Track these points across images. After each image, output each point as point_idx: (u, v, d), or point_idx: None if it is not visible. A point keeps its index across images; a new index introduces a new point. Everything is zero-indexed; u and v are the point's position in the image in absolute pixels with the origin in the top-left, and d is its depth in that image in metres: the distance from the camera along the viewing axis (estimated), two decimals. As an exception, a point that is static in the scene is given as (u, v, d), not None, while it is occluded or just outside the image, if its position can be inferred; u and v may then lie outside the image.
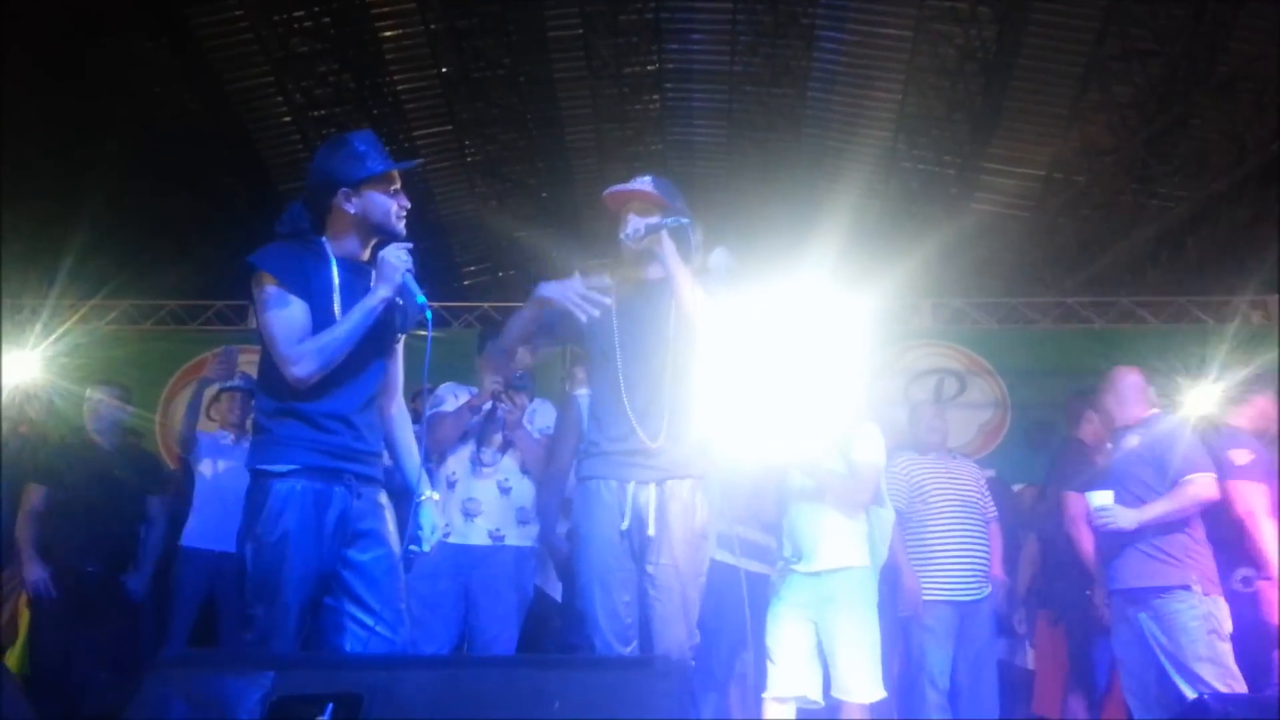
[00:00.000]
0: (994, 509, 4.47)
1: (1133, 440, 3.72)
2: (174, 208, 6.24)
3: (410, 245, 2.53)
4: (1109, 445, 3.94)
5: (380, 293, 2.47)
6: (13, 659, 4.68)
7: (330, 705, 1.69)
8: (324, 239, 2.54)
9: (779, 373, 3.79)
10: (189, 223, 6.53)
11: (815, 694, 3.53)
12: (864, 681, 3.46)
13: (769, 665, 3.59)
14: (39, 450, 4.84)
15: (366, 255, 2.56)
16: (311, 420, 2.45)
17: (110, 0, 5.28)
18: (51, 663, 4.33)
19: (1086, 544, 4.09)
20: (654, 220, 2.86)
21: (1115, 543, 3.63)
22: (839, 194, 9.51)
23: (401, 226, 2.55)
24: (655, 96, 9.94)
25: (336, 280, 2.50)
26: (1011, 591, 4.73)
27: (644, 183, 2.95)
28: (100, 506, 4.39)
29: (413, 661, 1.92)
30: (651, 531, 2.76)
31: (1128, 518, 3.52)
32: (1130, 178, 8.75)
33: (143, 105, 5.68)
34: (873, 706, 3.48)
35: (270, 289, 2.44)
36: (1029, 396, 6.56)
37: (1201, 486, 3.51)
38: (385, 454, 2.66)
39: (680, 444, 2.83)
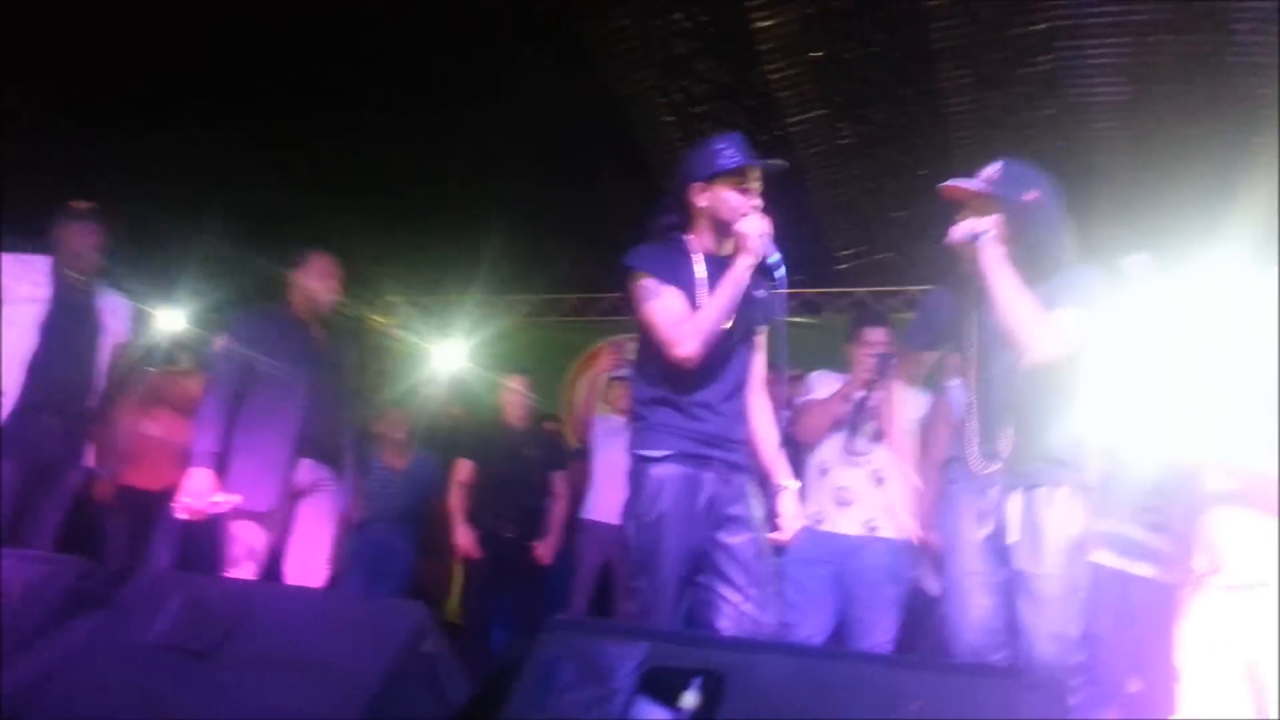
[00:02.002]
0: None
1: None
2: (571, 207, 6.81)
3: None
4: None
5: (744, 263, 2.53)
6: (449, 610, 5.46)
7: (697, 679, 1.78)
8: (688, 236, 2.65)
9: (1200, 361, 3.37)
10: (585, 221, 7.12)
11: (1236, 722, 3.10)
12: (1301, 716, 2.98)
13: (1179, 688, 3.21)
14: (465, 430, 5.56)
15: (726, 248, 2.63)
16: (682, 408, 2.58)
17: (519, 25, 5.89)
18: (475, 616, 4.99)
19: None
20: (977, 229, 2.55)
21: None
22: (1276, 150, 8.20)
23: None
24: (1047, 56, 9.17)
25: (701, 274, 2.60)
26: None
27: (989, 173, 2.62)
28: (513, 480, 4.94)
29: (776, 647, 1.96)
30: (1015, 538, 2.56)
31: None
32: None
33: (542, 115, 6.27)
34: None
35: (645, 283, 2.60)
36: None
37: None
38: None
39: (1036, 456, 2.58)
